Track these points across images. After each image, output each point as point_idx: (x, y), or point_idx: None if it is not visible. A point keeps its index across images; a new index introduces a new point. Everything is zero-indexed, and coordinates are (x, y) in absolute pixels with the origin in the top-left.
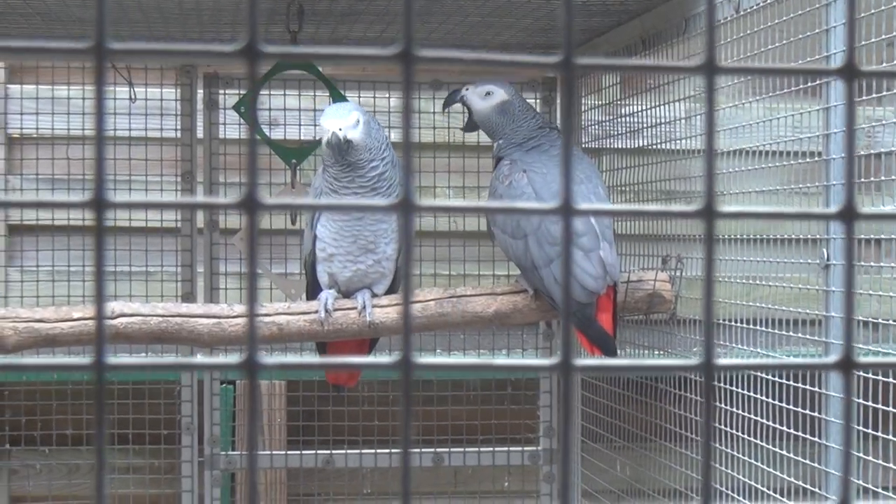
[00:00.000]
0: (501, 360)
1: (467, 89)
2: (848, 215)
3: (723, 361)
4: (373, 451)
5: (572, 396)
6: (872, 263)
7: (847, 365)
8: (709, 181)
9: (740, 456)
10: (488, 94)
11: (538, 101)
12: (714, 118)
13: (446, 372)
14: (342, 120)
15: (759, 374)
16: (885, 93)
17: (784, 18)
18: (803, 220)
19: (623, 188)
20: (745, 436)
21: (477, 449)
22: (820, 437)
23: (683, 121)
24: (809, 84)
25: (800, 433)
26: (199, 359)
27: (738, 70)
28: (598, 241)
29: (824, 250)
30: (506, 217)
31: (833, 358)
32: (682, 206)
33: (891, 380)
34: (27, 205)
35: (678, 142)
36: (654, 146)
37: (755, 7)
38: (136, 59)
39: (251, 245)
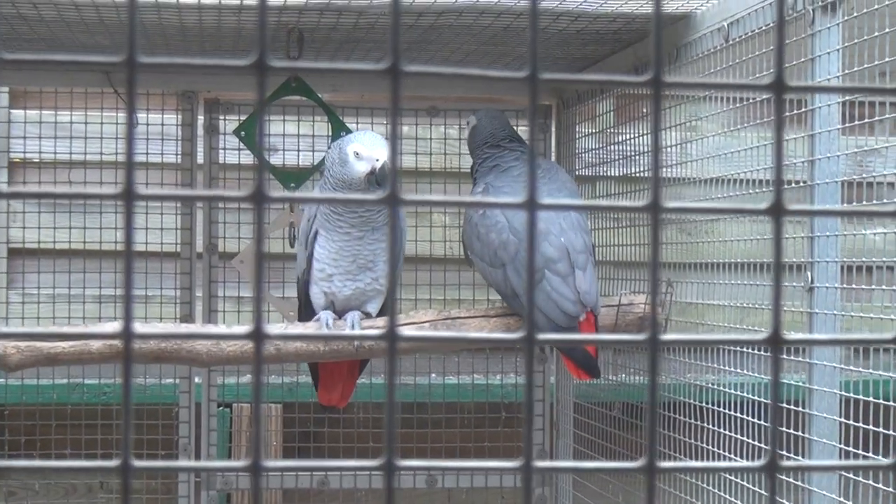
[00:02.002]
0: (474, 333)
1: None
2: (776, 211)
3: (667, 337)
4: (367, 472)
5: (532, 369)
6: (864, 287)
7: (775, 341)
8: (655, 181)
9: (730, 477)
10: (466, 125)
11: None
12: (661, 124)
13: (441, 393)
14: (385, 149)
15: (746, 394)
16: (871, 119)
17: (772, 47)
18: (739, 216)
19: (617, 215)
20: (733, 456)
21: (469, 472)
22: (805, 457)
23: (677, 147)
24: (795, 112)
25: (784, 453)
26: (212, 329)
27: (681, 84)
28: (573, 267)
29: (809, 274)
30: (483, 246)
31: (763, 335)
32: (630, 202)
33: (881, 401)
34: (61, 195)
35: (671, 168)
36: (648, 173)
37: (744, 36)
38: (161, 72)
39: (259, 235)
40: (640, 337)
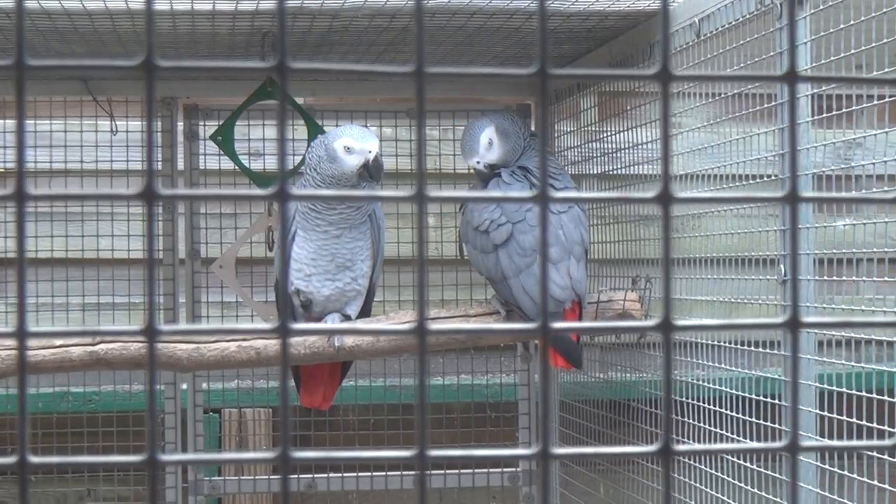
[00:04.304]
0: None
1: (478, 162)
2: (664, 199)
3: (557, 325)
4: (354, 475)
5: (424, 358)
6: (836, 279)
7: (666, 326)
8: (542, 171)
9: (716, 474)
10: (490, 142)
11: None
12: (547, 118)
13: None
14: (376, 141)
15: (724, 389)
16: (842, 110)
17: (741, 42)
18: (628, 203)
19: (602, 212)
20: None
21: (457, 472)
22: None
23: (658, 143)
24: (765, 106)
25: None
26: (109, 328)
27: (568, 75)
28: (567, 255)
29: (782, 266)
30: (475, 234)
31: (655, 321)
32: (521, 192)
33: (856, 392)
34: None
35: (654, 164)
36: (631, 169)
37: (714, 32)
38: (115, 70)
39: (150, 234)
40: (531, 326)
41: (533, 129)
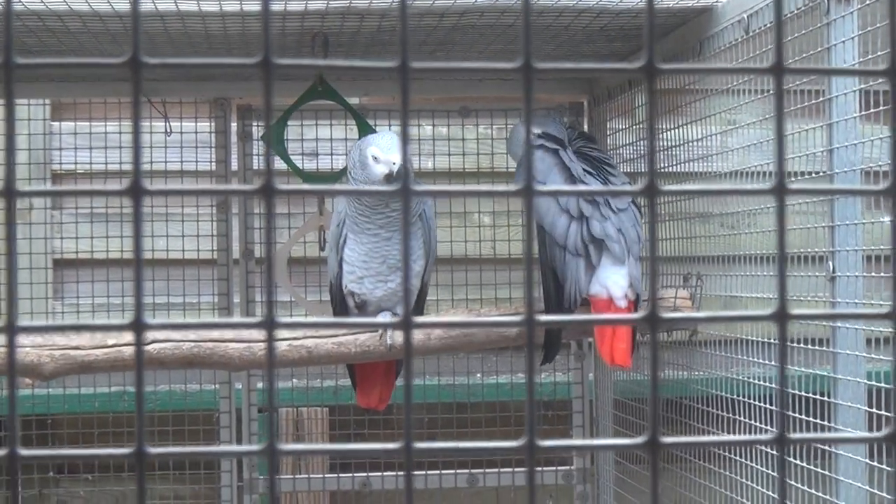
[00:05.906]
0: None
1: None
2: (650, 192)
3: (547, 326)
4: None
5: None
6: (884, 275)
7: (652, 319)
8: (528, 166)
9: (759, 467)
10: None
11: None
12: (531, 113)
13: (481, 392)
14: (399, 154)
15: (776, 386)
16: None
17: (790, 38)
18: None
19: (657, 208)
20: (766, 448)
21: (511, 469)
22: (832, 447)
23: (717, 137)
24: (812, 102)
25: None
26: (90, 322)
27: (552, 69)
28: (626, 254)
29: (830, 263)
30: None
31: (642, 314)
32: (504, 187)
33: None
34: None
35: (711, 160)
36: (687, 166)
37: (763, 28)
38: (168, 72)
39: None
40: (517, 318)
41: (585, 128)
